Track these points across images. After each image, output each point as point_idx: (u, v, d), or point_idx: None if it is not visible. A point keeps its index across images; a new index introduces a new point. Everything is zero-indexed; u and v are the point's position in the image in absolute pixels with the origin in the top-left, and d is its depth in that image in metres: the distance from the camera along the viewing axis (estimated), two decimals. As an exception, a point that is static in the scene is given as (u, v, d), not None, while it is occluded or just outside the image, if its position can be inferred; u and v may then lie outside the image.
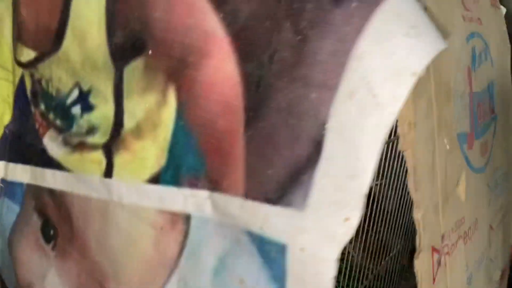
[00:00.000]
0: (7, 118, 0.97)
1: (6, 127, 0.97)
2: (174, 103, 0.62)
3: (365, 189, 0.43)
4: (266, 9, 0.51)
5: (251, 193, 0.53)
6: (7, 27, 0.91)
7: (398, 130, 0.51)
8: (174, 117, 0.62)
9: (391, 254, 1.08)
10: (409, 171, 0.52)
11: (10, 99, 0.95)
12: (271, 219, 0.50)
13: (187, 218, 0.62)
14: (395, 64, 0.41)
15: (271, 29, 0.51)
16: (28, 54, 0.87)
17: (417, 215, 0.53)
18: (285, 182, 0.49)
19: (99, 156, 0.74)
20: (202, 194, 0.60)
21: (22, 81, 0.91)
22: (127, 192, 0.69)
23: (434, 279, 0.59)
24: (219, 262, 0.58)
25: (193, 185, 0.61)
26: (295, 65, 0.48)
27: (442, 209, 0.61)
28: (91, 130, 0.75)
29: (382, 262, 1.01)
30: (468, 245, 0.73)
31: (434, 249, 0.59)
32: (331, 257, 0.45)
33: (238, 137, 0.55)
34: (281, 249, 0.49)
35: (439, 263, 0.61)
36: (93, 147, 0.75)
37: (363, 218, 0.85)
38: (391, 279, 1.09)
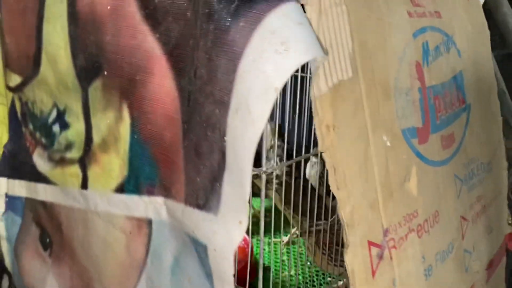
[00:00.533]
0: (5, 138, 1.05)
1: (5, 146, 1.06)
2: (128, 118, 0.67)
3: (247, 197, 0.47)
4: (189, 29, 0.56)
5: (188, 200, 0.58)
6: (-2, 55, 0.98)
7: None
8: (129, 131, 0.68)
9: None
10: (329, 171, 0.55)
11: (6, 121, 1.04)
12: (199, 224, 0.55)
13: (149, 223, 0.68)
14: (264, 81, 0.45)
15: (193, 47, 0.55)
16: (15, 79, 0.95)
17: (341, 212, 0.56)
18: (207, 189, 0.54)
19: (76, 170, 0.80)
20: (159, 201, 0.65)
21: (13, 104, 0.99)
22: (100, 201, 0.75)
23: (373, 273, 0.62)
24: (175, 262, 0.64)
25: (151, 192, 0.66)
26: (207, 82, 0.52)
27: (384, 204, 0.64)
28: (69, 146, 0.82)
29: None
30: (424, 238, 0.75)
31: (372, 244, 0.62)
32: (230, 257, 0.50)
33: (179, 148, 0.60)
34: (204, 249, 0.54)
35: (380, 257, 0.63)
36: (71, 161, 0.81)
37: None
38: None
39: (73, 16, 0.74)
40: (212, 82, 0.51)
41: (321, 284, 1.06)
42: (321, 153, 0.54)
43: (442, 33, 0.86)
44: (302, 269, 1.08)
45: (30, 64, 0.89)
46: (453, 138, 0.87)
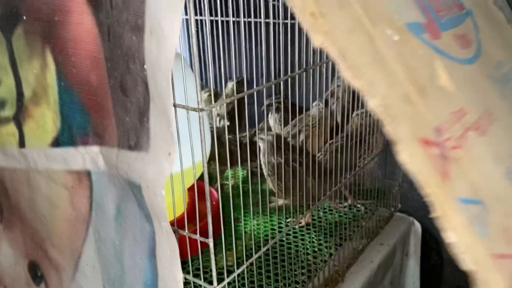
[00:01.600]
0: None
1: None
2: (53, 64, 0.62)
3: (173, 125, 0.43)
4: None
5: (121, 142, 0.54)
6: None
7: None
8: (55, 78, 0.63)
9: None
10: (336, 60, 0.46)
11: None
12: (132, 164, 0.52)
13: (88, 174, 0.65)
14: None
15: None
16: None
17: (373, 102, 0.48)
18: (137, 128, 0.50)
19: (12, 129, 0.76)
20: (94, 150, 0.62)
21: None
22: (38, 158, 0.71)
23: (446, 173, 0.53)
24: (116, 210, 0.61)
25: (85, 142, 0.62)
26: (122, 10, 0.48)
27: (421, 99, 0.54)
28: (2, 104, 0.77)
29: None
30: (488, 137, 0.65)
31: (426, 141, 0.53)
32: (161, 191, 0.47)
33: (106, 89, 0.56)
34: (139, 188, 0.51)
35: (444, 157, 0.55)
36: (6, 120, 0.76)
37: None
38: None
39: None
40: (126, 9, 0.47)
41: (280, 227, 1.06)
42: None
43: None
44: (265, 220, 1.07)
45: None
46: (468, 39, 0.76)
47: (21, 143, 0.74)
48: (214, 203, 0.99)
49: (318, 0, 0.48)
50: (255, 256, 0.71)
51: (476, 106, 0.66)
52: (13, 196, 0.82)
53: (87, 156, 0.63)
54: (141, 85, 0.47)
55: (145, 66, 0.45)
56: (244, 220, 1.11)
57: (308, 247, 1.04)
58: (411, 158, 0.50)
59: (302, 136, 1.18)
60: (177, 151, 0.44)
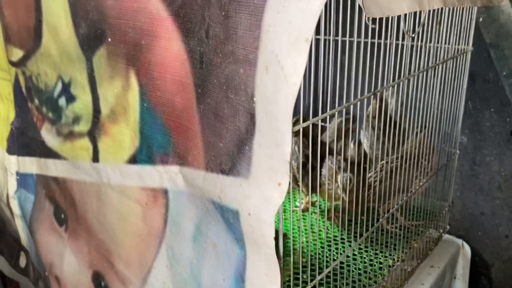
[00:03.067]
0: (12, 115, 1.04)
1: (12, 124, 1.04)
2: (136, 86, 0.65)
3: (288, 157, 0.44)
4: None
5: (210, 166, 0.55)
6: (-3, 30, 0.95)
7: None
8: (138, 99, 0.65)
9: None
10: None
11: (11, 97, 1.01)
12: (226, 189, 0.53)
13: (165, 192, 0.66)
14: (293, 32, 0.41)
15: (203, 5, 0.52)
16: (17, 54, 0.92)
17: None
18: (233, 154, 0.51)
19: (86, 143, 0.78)
20: (173, 169, 0.63)
21: (17, 79, 0.96)
22: (112, 173, 0.74)
23: None
24: (196, 229, 0.62)
25: (165, 162, 0.64)
26: (224, 41, 0.49)
27: None
28: (76, 119, 0.80)
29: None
30: None
31: None
32: (270, 220, 0.47)
33: (193, 113, 0.57)
34: (235, 214, 0.52)
35: None
36: (80, 135, 0.79)
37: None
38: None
39: (72, -19, 0.71)
40: (231, 40, 0.48)
41: (334, 249, 1.05)
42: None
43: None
44: (314, 237, 1.07)
45: (31, 37, 0.86)
46: None
47: (95, 158, 0.77)
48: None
49: None
50: (318, 278, 0.71)
51: None
52: (80, 208, 0.85)
53: (165, 175, 0.65)
54: (244, 115, 0.48)
55: (254, 99, 0.46)
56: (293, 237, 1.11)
57: (360, 267, 1.04)
58: None
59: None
60: (288, 182, 0.45)
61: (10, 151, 1.06)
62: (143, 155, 0.67)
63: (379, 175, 1.10)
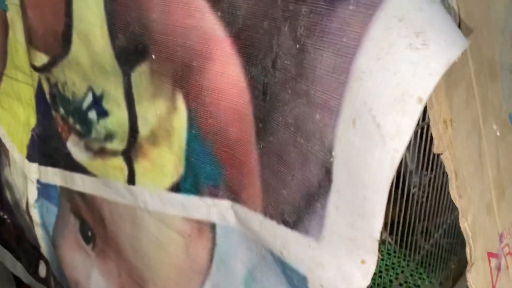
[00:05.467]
0: (33, 121, 0.98)
1: (33, 130, 0.98)
2: (185, 110, 0.58)
3: (377, 233, 0.38)
4: (264, 7, 0.46)
5: (269, 211, 0.50)
6: (20, 31, 0.89)
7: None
8: (186, 125, 0.59)
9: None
10: (449, 176, 0.46)
11: (33, 103, 0.95)
12: (290, 245, 0.47)
13: (212, 227, 0.61)
14: (398, 86, 0.34)
15: (270, 30, 0.45)
16: (41, 59, 0.86)
17: (464, 224, 0.48)
18: (300, 206, 0.45)
19: (120, 163, 0.73)
20: (224, 204, 0.58)
21: (39, 85, 0.90)
22: (151, 199, 0.68)
23: (493, 284, 0.55)
24: (249, 274, 0.56)
25: (214, 194, 0.59)
26: (297, 77, 0.42)
27: (498, 206, 0.55)
28: (109, 136, 0.74)
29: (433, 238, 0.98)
30: None
31: (490, 255, 0.54)
32: None
33: (250, 148, 0.51)
34: (303, 279, 0.46)
35: (498, 268, 0.56)
36: (113, 153, 0.74)
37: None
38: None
39: (110, -10, 0.64)
40: (306, 79, 0.41)
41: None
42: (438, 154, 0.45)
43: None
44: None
45: (58, 43, 0.79)
46: None
47: (131, 180, 0.71)
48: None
49: (451, 106, 0.45)
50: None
51: None
52: (110, 228, 0.80)
53: (213, 209, 0.59)
54: (318, 167, 0.42)
55: (333, 153, 0.40)
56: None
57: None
58: (476, 277, 0.52)
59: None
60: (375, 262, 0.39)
61: (31, 158, 1.00)
62: (188, 184, 0.62)
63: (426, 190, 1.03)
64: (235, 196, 0.56)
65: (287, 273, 0.49)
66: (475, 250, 0.49)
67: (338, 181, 0.40)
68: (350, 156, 0.38)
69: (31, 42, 0.87)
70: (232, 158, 0.55)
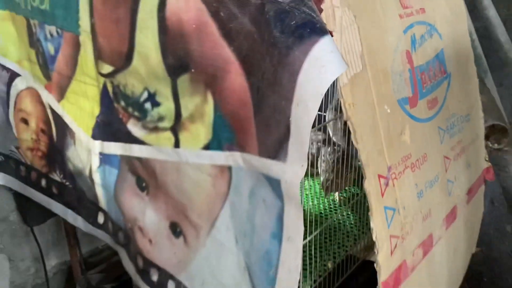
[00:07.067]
0: (97, 111, 1.39)
1: (97, 117, 1.40)
2: (212, 102, 1.02)
3: (306, 150, 0.82)
4: (257, 47, 0.89)
5: (261, 153, 0.93)
6: (89, 49, 1.30)
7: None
8: (213, 110, 1.02)
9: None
10: (351, 132, 0.90)
11: (98, 98, 1.37)
12: (272, 167, 0.91)
13: (229, 168, 1.04)
14: (315, 89, 0.77)
15: (260, 59, 0.88)
16: (107, 68, 1.27)
17: (361, 157, 0.92)
18: (276, 148, 0.89)
19: (169, 135, 1.15)
20: (236, 154, 1.01)
21: (105, 86, 1.32)
22: (190, 156, 1.11)
23: (382, 194, 0.99)
24: (251, 191, 1.00)
25: (230, 149, 1.02)
26: (273, 84, 0.86)
27: (387, 151, 1.00)
28: (161, 118, 1.16)
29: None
30: (416, 172, 1.11)
31: (380, 176, 0.98)
32: (297, 185, 0.86)
33: (251, 121, 0.95)
34: (278, 182, 0.91)
35: (386, 184, 1.00)
36: (164, 129, 1.16)
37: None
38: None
39: (163, 29, 1.06)
40: (278, 85, 0.85)
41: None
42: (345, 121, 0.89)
43: (426, 24, 1.18)
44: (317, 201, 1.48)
45: (122, 59, 1.21)
46: (436, 101, 1.21)
47: (176, 145, 1.14)
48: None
49: (353, 96, 0.88)
50: (318, 230, 1.11)
51: (418, 152, 1.12)
52: (160, 179, 1.23)
53: (230, 157, 1.03)
54: (284, 127, 0.85)
55: (290, 119, 0.84)
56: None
57: (352, 222, 1.44)
58: (369, 186, 0.94)
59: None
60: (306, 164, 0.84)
61: (95, 137, 1.41)
62: (214, 145, 1.05)
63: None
64: (243, 148, 0.99)
65: (271, 182, 0.93)
66: (367, 171, 0.93)
67: (292, 132, 0.84)
68: (296, 120, 0.82)
69: (100, 57, 1.29)
70: (241, 128, 0.98)
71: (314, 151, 1.56)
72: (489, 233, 2.36)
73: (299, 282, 0.94)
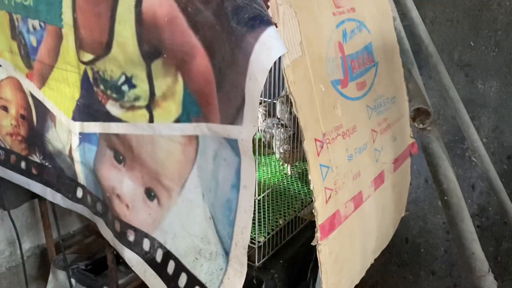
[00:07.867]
0: (77, 95, 1.58)
1: (77, 100, 1.59)
2: (182, 82, 1.23)
3: (256, 114, 1.07)
4: (218, 36, 1.11)
5: (223, 121, 1.16)
6: (71, 40, 1.49)
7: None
8: (182, 89, 1.24)
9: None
10: (293, 103, 1.14)
11: (78, 84, 1.55)
12: (231, 131, 1.14)
13: (196, 138, 1.26)
14: (262, 66, 0.99)
15: (221, 45, 1.11)
16: (88, 56, 1.47)
17: (300, 123, 1.16)
18: (234, 115, 1.12)
19: (144, 112, 1.36)
20: (202, 124, 1.23)
21: (85, 72, 1.51)
22: (163, 129, 1.32)
23: (318, 154, 1.23)
24: (214, 154, 1.23)
25: (197, 121, 1.24)
26: (231, 64, 1.08)
27: (322, 121, 1.24)
28: (137, 98, 1.37)
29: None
30: (347, 139, 1.36)
31: (316, 140, 1.22)
32: (250, 141, 1.10)
33: (214, 96, 1.17)
34: (236, 141, 1.13)
35: (321, 146, 1.24)
36: (140, 107, 1.37)
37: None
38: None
39: (139, 22, 1.27)
40: (235, 64, 1.08)
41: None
42: (287, 95, 1.13)
43: (356, 21, 1.44)
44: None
45: (102, 48, 1.40)
46: (365, 83, 1.48)
47: (151, 120, 1.35)
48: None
49: (294, 76, 1.13)
50: (270, 190, 1.35)
51: (348, 123, 1.40)
52: (136, 151, 1.43)
53: (197, 128, 1.25)
54: (240, 98, 1.08)
55: (245, 90, 1.07)
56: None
57: (300, 188, 1.69)
58: (307, 147, 1.20)
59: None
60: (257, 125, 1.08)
61: (75, 119, 1.60)
62: (184, 118, 1.27)
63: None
64: (207, 119, 1.21)
65: (231, 143, 1.16)
66: (306, 135, 1.17)
67: (246, 101, 1.08)
68: (249, 91, 1.06)
69: (81, 47, 1.48)
70: (206, 102, 1.20)
71: (268, 136, 1.82)
72: (424, 208, 2.69)
73: (255, 234, 1.17)
